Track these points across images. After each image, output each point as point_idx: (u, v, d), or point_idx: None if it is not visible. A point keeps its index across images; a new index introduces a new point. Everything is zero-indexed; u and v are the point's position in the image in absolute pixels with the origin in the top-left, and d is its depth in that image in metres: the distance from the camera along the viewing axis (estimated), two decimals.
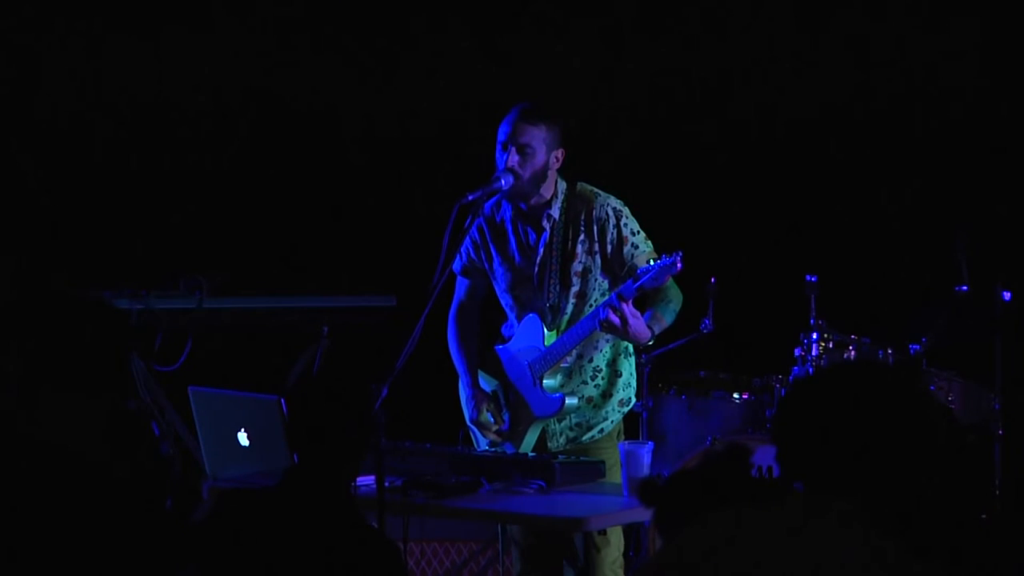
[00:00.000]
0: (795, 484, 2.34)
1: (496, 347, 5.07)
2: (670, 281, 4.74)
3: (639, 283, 4.57)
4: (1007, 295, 6.15)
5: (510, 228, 4.96)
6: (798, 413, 2.37)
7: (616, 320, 4.60)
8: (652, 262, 4.58)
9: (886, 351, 6.11)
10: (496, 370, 5.05)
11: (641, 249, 4.79)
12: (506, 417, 4.99)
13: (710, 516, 2.33)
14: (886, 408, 2.34)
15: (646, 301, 4.78)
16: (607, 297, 4.73)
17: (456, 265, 5.03)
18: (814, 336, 6.04)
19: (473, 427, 5.05)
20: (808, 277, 6.15)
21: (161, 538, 3.30)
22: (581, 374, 4.92)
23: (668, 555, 2.36)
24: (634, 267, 4.70)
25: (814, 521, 2.26)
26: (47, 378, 3.29)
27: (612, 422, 4.96)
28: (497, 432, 4.98)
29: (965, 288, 6.07)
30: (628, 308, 4.61)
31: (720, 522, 2.32)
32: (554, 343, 4.85)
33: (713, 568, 2.26)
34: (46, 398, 3.28)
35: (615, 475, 4.62)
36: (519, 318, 4.98)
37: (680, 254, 4.52)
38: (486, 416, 4.98)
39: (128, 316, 5.79)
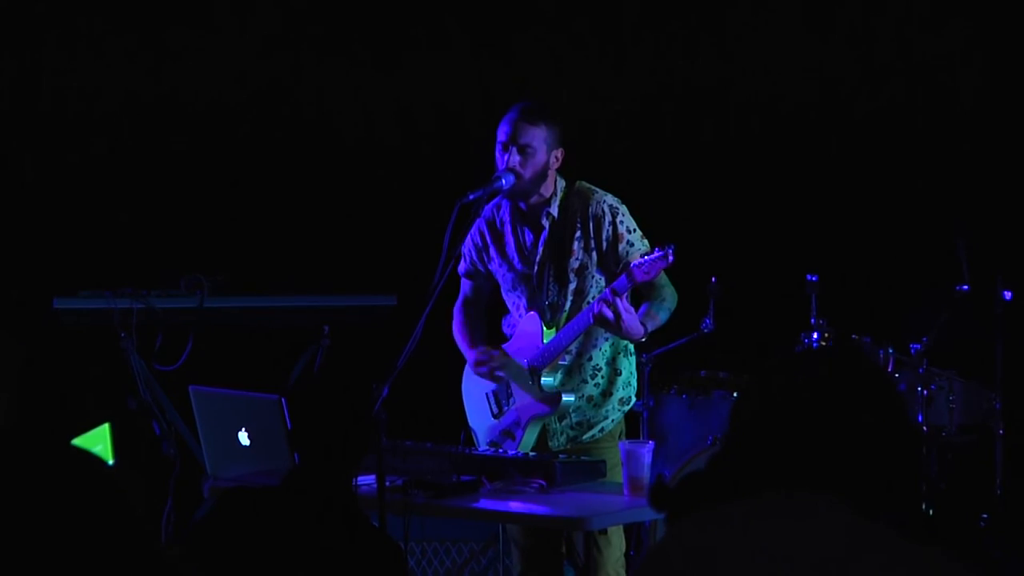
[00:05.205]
0: (764, 480, 2.29)
1: (500, 346, 5.06)
2: (665, 280, 4.74)
3: (632, 277, 4.57)
4: (1007, 295, 6.15)
5: (509, 230, 4.95)
6: (766, 406, 2.29)
7: (609, 314, 4.60)
8: (645, 257, 4.58)
9: (886, 350, 6.11)
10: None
11: (636, 247, 4.79)
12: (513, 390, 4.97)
13: (699, 513, 2.28)
14: (852, 394, 2.28)
15: (641, 299, 4.78)
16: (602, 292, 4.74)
17: (460, 268, 5.04)
18: (815, 335, 6.04)
19: (474, 429, 5.05)
20: (808, 276, 6.15)
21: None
22: (581, 372, 4.92)
23: (656, 557, 2.32)
24: (628, 264, 4.70)
25: (804, 512, 2.22)
26: None
27: (613, 421, 4.96)
28: (496, 368, 4.95)
29: (965, 288, 6.06)
30: (622, 303, 4.60)
31: (712, 518, 2.27)
32: (551, 340, 4.85)
33: (713, 566, 2.23)
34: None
35: (616, 474, 4.61)
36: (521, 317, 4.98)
37: (672, 247, 4.52)
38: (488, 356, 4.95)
39: None
